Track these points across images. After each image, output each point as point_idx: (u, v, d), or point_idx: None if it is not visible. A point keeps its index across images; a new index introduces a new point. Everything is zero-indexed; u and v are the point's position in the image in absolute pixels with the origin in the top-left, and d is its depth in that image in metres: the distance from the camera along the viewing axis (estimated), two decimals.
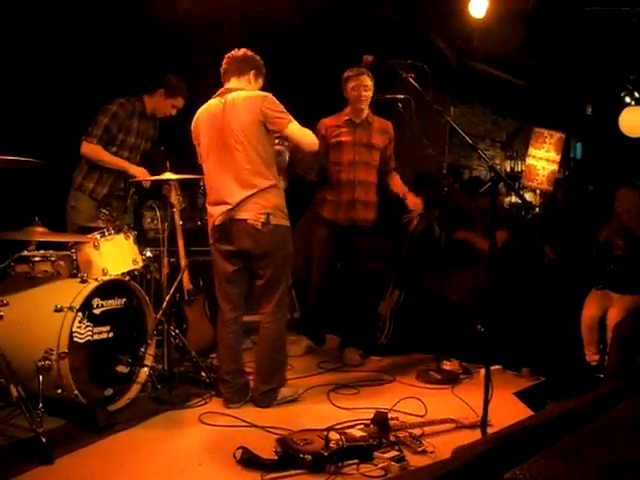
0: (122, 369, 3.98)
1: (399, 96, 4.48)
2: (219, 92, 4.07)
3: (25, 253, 3.96)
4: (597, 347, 4.94)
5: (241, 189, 3.93)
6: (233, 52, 4.14)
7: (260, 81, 4.17)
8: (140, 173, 4.75)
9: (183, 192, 4.86)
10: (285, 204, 4.08)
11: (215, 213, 4.00)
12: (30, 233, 3.86)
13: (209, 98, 4.12)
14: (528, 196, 9.19)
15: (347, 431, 3.37)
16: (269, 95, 3.97)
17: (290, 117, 3.96)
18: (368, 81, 4.95)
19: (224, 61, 4.13)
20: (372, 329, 5.63)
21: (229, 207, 3.93)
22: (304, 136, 4.03)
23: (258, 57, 4.16)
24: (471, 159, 8.84)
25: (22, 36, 4.74)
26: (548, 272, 5.76)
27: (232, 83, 4.10)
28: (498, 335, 4.38)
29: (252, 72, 4.12)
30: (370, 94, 4.99)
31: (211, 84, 4.14)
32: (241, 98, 3.96)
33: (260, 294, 4.14)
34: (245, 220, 3.92)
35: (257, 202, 3.93)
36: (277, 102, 3.96)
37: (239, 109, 3.93)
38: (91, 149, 4.71)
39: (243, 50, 4.13)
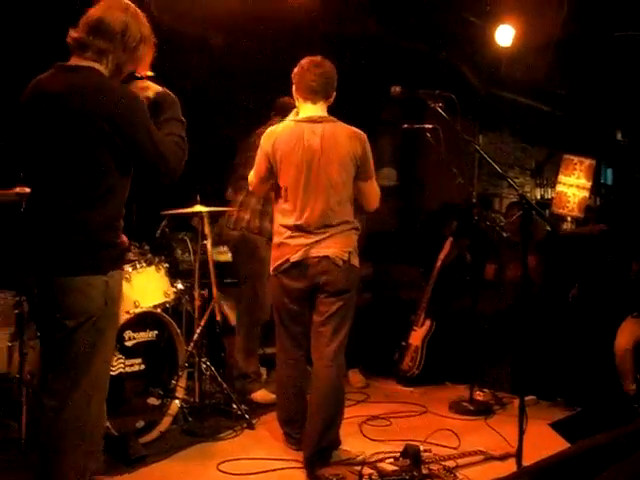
0: (153, 401, 3.99)
1: (427, 126, 4.48)
2: (307, 118, 3.76)
3: None
4: (633, 377, 4.84)
5: (327, 225, 3.70)
6: (317, 61, 3.79)
7: None
8: None
9: (213, 224, 4.90)
10: None
11: (291, 244, 3.73)
12: None
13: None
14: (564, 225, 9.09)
15: (379, 465, 3.35)
16: (366, 137, 3.82)
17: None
18: None
19: (312, 73, 3.76)
20: (403, 360, 5.58)
21: (311, 241, 3.70)
22: (377, 194, 3.93)
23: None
24: (500, 187, 8.81)
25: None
26: (582, 300, 5.68)
27: (320, 107, 3.79)
28: (532, 365, 4.32)
29: (333, 95, 3.86)
30: None
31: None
32: (343, 134, 3.74)
33: (319, 335, 3.80)
34: (327, 257, 3.68)
35: (340, 240, 3.72)
36: None
37: (341, 146, 3.71)
38: None
39: (329, 63, 3.82)
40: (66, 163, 2.53)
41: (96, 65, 2.59)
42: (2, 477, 3.44)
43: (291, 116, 3.93)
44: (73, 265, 2.55)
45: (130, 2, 2.69)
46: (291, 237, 3.72)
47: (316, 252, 3.68)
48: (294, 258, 3.69)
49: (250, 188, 4.00)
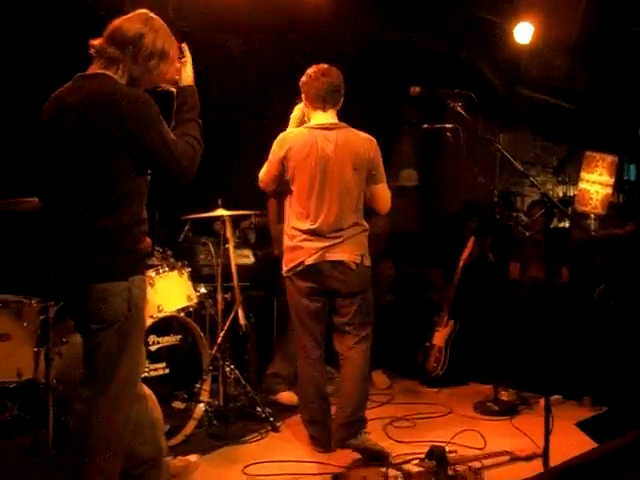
0: (178, 405, 4.01)
1: (447, 125, 4.47)
2: (320, 125, 3.86)
3: None
4: None
5: (341, 229, 3.82)
6: (324, 70, 3.85)
7: None
8: None
9: (235, 228, 4.91)
10: None
11: (306, 247, 3.83)
12: None
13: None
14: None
15: (405, 467, 3.33)
16: (376, 142, 3.93)
17: None
18: None
19: (320, 82, 3.83)
20: (427, 361, 5.57)
21: (326, 245, 3.81)
22: (389, 197, 4.03)
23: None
24: (522, 186, 8.75)
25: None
26: (609, 298, 5.63)
27: (330, 114, 3.89)
28: (558, 363, 4.28)
29: (341, 101, 3.95)
30: None
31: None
32: (355, 140, 3.87)
33: (342, 331, 3.97)
34: (342, 262, 3.81)
35: (354, 243, 3.85)
36: None
37: (354, 152, 3.83)
38: None
39: (336, 71, 3.88)
40: (82, 170, 2.56)
41: (109, 73, 2.62)
42: None
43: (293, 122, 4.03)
44: (92, 272, 2.57)
45: (156, 17, 2.71)
46: (306, 240, 3.83)
47: (331, 256, 3.80)
48: (309, 261, 3.81)
49: (260, 185, 4.06)
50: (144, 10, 2.71)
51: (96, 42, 2.65)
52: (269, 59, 5.74)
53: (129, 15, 2.68)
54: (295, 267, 3.86)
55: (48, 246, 2.69)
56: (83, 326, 2.65)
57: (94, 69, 2.66)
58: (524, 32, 6.35)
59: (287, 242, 3.94)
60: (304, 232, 3.84)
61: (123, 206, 2.60)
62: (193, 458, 3.42)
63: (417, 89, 3.98)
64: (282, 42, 5.65)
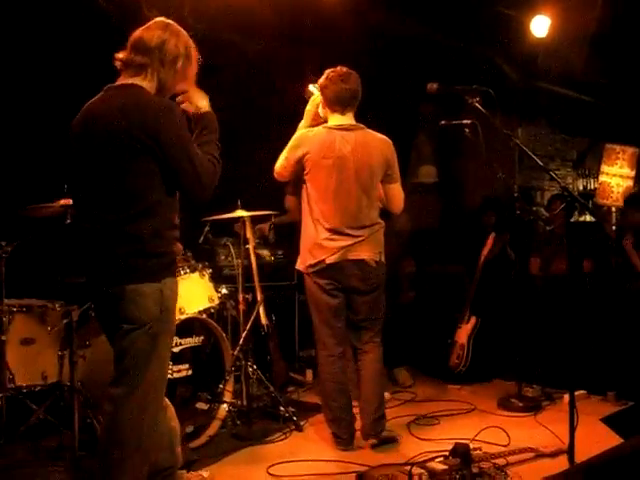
0: (202, 406, 4.03)
1: (465, 121, 4.46)
2: (339, 126, 3.92)
3: None
4: None
5: (360, 227, 3.91)
6: (344, 75, 3.91)
7: None
8: None
9: (254, 228, 4.92)
10: None
11: (328, 246, 3.88)
12: None
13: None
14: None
15: (429, 465, 3.32)
16: (391, 142, 4.03)
17: None
18: None
19: (340, 87, 3.89)
20: (449, 358, 5.55)
21: (347, 244, 3.87)
22: (402, 196, 4.11)
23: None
24: (542, 180, 8.70)
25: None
26: (633, 292, 5.58)
27: (348, 116, 3.96)
28: (581, 358, 4.25)
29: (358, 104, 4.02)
30: None
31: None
32: (373, 140, 3.96)
33: (358, 327, 4.07)
34: (362, 260, 3.90)
35: (373, 242, 3.95)
36: None
37: (371, 152, 3.92)
38: None
39: (355, 75, 3.95)
40: (113, 179, 2.62)
41: (137, 80, 2.69)
42: None
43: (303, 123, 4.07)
44: (124, 274, 2.62)
45: (173, 23, 2.79)
46: (326, 239, 3.88)
47: (353, 255, 3.89)
48: (330, 260, 3.87)
49: (275, 176, 4.09)
50: (160, 18, 2.79)
51: (121, 55, 2.73)
52: (284, 58, 5.75)
53: (147, 25, 2.75)
54: (315, 265, 3.91)
55: (81, 250, 2.75)
56: (114, 327, 2.68)
57: (123, 80, 2.73)
58: (541, 25, 6.30)
59: (306, 241, 3.97)
60: (326, 230, 3.89)
61: (155, 212, 2.65)
62: (205, 474, 3.41)
63: (434, 86, 3.97)
64: (297, 41, 5.66)
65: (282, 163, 4.00)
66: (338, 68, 3.94)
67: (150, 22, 2.76)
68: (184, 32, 2.80)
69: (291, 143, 3.98)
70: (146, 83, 2.69)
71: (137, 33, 2.73)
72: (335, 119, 3.96)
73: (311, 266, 3.93)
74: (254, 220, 4.88)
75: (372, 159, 3.91)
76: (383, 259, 4.01)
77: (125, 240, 2.62)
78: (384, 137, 4.02)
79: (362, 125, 3.99)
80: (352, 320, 4.07)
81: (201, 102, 2.86)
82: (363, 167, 3.89)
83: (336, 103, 3.93)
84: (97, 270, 2.69)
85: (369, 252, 3.92)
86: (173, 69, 2.73)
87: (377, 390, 4.07)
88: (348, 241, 3.88)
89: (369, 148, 3.92)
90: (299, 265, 4.03)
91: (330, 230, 3.88)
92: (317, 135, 3.93)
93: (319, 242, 3.89)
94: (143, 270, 2.63)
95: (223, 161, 2.84)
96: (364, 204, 3.92)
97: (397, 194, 4.08)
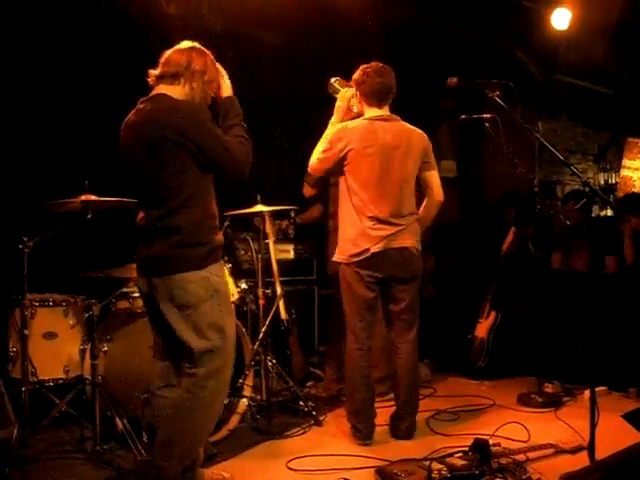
0: None
1: (486, 115, 4.44)
2: (379, 117, 3.97)
3: (125, 290, 4.10)
4: None
5: (402, 216, 3.96)
6: (380, 70, 3.96)
7: None
8: None
9: (274, 222, 4.94)
10: None
11: (372, 234, 3.90)
12: (130, 270, 3.98)
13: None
14: None
15: (448, 460, 3.31)
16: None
17: None
18: None
19: (376, 82, 3.94)
20: (469, 353, 5.54)
21: (391, 232, 3.91)
22: (440, 185, 4.15)
23: None
24: (563, 174, 8.64)
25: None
26: None
27: (384, 110, 4.00)
28: (602, 354, 4.23)
29: None
30: None
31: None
32: (410, 130, 4.03)
33: (398, 320, 4.07)
34: (406, 248, 3.95)
35: (413, 230, 4.01)
36: None
37: (412, 142, 3.99)
38: None
39: (390, 70, 4.00)
40: (152, 178, 2.94)
41: (169, 89, 3.01)
42: (79, 473, 3.55)
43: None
44: (169, 265, 2.93)
45: (197, 44, 3.11)
46: (370, 228, 3.90)
47: (397, 244, 3.92)
48: (375, 249, 3.89)
49: (309, 170, 4.15)
50: (186, 41, 3.11)
51: (154, 71, 3.06)
52: (304, 53, 5.75)
53: (175, 48, 3.08)
54: (359, 254, 3.92)
55: (134, 244, 3.08)
56: (162, 319, 2.98)
57: (154, 91, 3.04)
58: (562, 18, 6.26)
59: (347, 231, 3.99)
60: (369, 219, 3.91)
61: (193, 204, 2.94)
62: (227, 475, 3.43)
63: (454, 80, 3.97)
64: (316, 35, 5.65)
65: (319, 157, 4.03)
66: (373, 63, 3.99)
67: (178, 45, 3.08)
68: (207, 52, 3.11)
69: (330, 137, 4.00)
70: (179, 89, 3.02)
71: (167, 54, 3.06)
72: (370, 112, 3.99)
73: (354, 255, 3.93)
74: (274, 215, 4.90)
75: (412, 148, 3.98)
76: (421, 248, 4.06)
77: (166, 233, 2.93)
78: (418, 129, 4.08)
79: (398, 117, 4.03)
80: (392, 312, 4.07)
81: (225, 86, 3.16)
82: (404, 155, 3.94)
83: (374, 97, 3.98)
84: (146, 263, 3.02)
85: (411, 240, 3.97)
86: (202, 80, 3.05)
87: (414, 394, 4.12)
88: (391, 229, 3.91)
89: (408, 137, 3.99)
90: (337, 256, 4.04)
91: (373, 219, 3.91)
92: (358, 127, 3.96)
93: (363, 231, 3.91)
94: (185, 260, 2.92)
95: None
96: (406, 193, 3.98)
97: (437, 181, 4.14)
